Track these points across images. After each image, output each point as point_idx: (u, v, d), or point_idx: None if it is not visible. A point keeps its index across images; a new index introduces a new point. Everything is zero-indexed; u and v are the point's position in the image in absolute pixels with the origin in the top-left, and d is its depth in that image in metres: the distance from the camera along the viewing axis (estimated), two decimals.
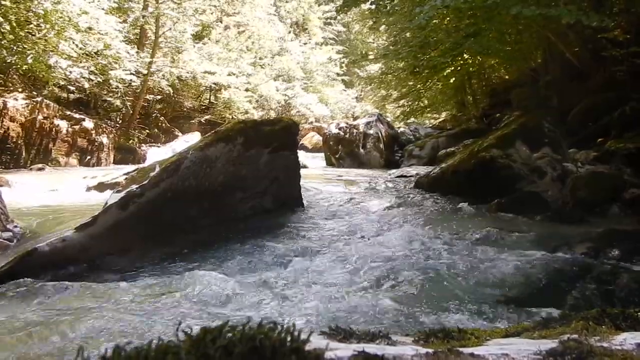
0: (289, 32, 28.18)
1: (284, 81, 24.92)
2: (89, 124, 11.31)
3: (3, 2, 9.55)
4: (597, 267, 3.15)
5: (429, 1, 6.84)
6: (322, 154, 13.10)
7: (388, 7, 11.88)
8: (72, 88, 13.52)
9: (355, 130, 11.86)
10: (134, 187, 3.64)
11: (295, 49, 27.21)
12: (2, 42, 9.92)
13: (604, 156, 6.48)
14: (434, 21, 10.34)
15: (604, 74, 8.34)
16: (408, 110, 16.38)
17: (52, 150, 10.37)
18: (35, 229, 4.12)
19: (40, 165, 9.70)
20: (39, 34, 10.50)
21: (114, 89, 14.20)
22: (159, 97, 16.97)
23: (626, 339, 0.95)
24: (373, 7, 12.00)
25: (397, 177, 8.39)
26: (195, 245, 3.72)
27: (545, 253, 3.40)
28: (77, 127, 10.92)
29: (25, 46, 10.07)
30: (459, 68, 13.03)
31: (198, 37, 19.44)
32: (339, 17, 29.49)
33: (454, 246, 3.72)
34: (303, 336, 0.60)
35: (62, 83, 12.45)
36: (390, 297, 2.69)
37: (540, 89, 10.03)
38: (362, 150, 11.61)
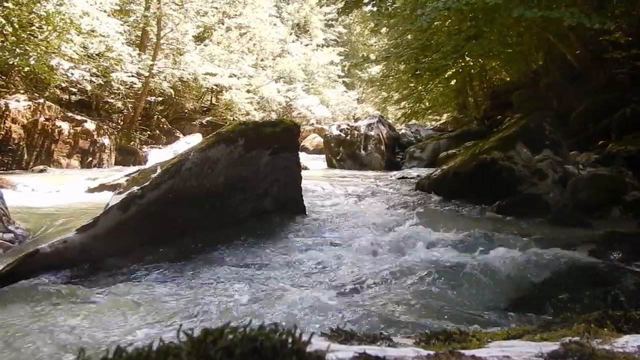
0: (291, 34, 28.24)
1: (285, 83, 24.96)
2: (90, 125, 11.33)
3: (5, 4, 9.58)
4: (598, 269, 3.14)
5: (431, 3, 6.86)
6: (323, 156, 13.11)
7: (389, 9, 11.91)
8: (73, 90, 13.57)
9: (356, 132, 11.87)
10: (135, 188, 3.64)
11: (296, 50, 27.27)
12: (5, 44, 9.95)
13: (604, 158, 6.48)
14: (436, 23, 10.36)
15: (605, 76, 8.35)
16: (409, 112, 16.39)
17: (54, 152, 10.39)
18: (36, 230, 4.12)
19: (41, 167, 9.72)
20: (41, 35, 10.53)
21: (116, 91, 14.23)
22: (160, 98, 17.00)
23: (628, 342, 0.95)
24: (374, 9, 12.04)
25: (398, 178, 8.40)
26: (196, 246, 3.72)
27: (546, 255, 3.40)
28: (78, 128, 10.93)
29: (28, 48, 10.10)
30: (460, 70, 13.05)
31: (200, 38, 19.49)
32: (340, 19, 29.53)
33: (455, 248, 3.72)
34: (304, 338, 0.60)
35: (63, 85, 12.49)
36: (391, 298, 2.69)
37: (541, 90, 10.03)
38: (363, 152, 11.62)
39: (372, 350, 0.79)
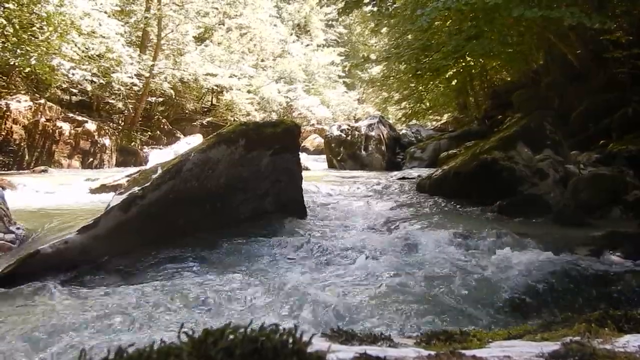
0: (291, 34, 28.24)
1: (285, 83, 24.97)
2: (91, 126, 11.34)
3: (7, 5, 9.60)
4: (599, 269, 3.14)
5: (431, 3, 6.86)
6: (324, 156, 13.11)
7: (390, 10, 11.91)
8: (74, 90, 13.61)
9: (357, 132, 11.87)
10: (136, 189, 3.64)
11: (297, 51, 27.27)
12: (6, 45, 9.97)
13: (605, 158, 6.47)
14: (436, 23, 10.37)
15: (605, 75, 8.34)
16: (410, 112, 16.40)
17: (55, 152, 10.40)
18: (37, 230, 4.12)
19: (42, 167, 9.73)
20: (41, 36, 10.55)
21: (116, 91, 14.26)
22: (161, 99, 17.03)
23: (629, 341, 0.95)
24: (375, 9, 12.04)
25: (399, 179, 8.39)
26: (197, 247, 3.72)
27: (547, 255, 3.40)
28: (79, 129, 10.95)
29: (29, 48, 10.12)
30: (460, 70, 13.05)
31: (200, 39, 19.51)
32: (340, 19, 29.54)
33: (456, 249, 3.72)
34: (305, 338, 0.60)
35: (64, 85, 12.53)
36: (391, 299, 2.69)
37: (542, 90, 10.03)
38: (363, 152, 11.62)
39: (372, 350, 0.79)
